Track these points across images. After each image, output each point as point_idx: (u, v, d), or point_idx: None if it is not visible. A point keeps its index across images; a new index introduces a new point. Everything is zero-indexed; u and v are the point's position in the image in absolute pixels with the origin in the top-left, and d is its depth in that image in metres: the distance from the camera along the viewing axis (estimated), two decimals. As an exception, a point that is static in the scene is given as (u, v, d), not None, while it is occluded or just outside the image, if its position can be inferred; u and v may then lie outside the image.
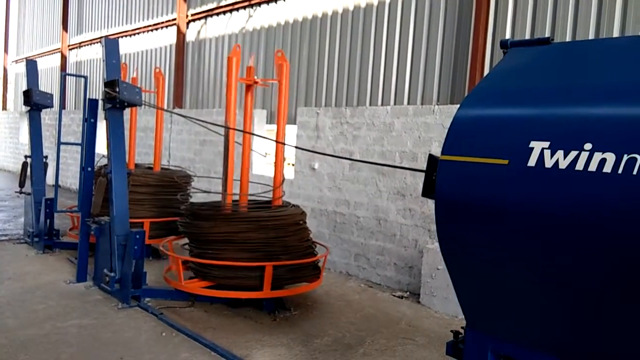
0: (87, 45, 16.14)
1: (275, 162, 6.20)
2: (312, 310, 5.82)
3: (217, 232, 5.55)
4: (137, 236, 5.64)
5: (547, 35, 5.84)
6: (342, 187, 7.60)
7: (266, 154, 9.43)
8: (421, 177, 2.92)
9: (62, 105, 7.25)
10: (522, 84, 2.59)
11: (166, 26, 12.51)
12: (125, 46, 13.83)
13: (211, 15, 11.17)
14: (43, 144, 8.48)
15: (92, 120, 6.40)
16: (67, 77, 16.27)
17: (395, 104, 7.41)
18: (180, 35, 11.90)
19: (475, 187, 2.44)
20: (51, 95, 8.41)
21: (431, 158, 2.81)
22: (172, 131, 11.28)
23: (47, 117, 16.49)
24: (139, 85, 6.48)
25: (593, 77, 2.36)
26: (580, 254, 2.12)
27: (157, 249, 7.22)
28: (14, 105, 21.06)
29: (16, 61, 21.70)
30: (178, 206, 6.96)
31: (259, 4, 9.99)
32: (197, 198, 7.51)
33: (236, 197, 6.13)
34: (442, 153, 2.59)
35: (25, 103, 8.21)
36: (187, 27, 11.87)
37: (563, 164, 2.12)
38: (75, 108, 16.46)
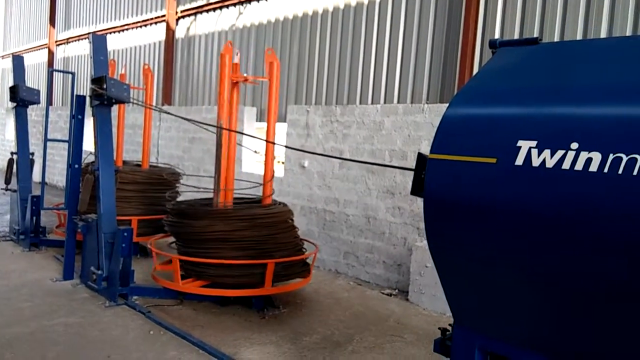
0: (75, 41, 15.96)
1: (265, 160, 6.19)
2: (301, 308, 5.82)
3: (213, 231, 5.50)
4: (125, 234, 5.61)
5: (535, 35, 5.87)
6: (332, 185, 7.61)
7: (256, 151, 9.41)
8: (410, 175, 2.93)
9: (49, 102, 7.19)
10: (511, 83, 2.60)
11: (155, 22, 12.40)
12: (114, 42, 13.70)
13: (201, 12, 11.10)
14: (29, 140, 8.38)
15: (79, 116, 6.34)
16: (54, 73, 16.14)
17: (385, 102, 7.42)
18: (170, 32, 11.81)
19: (463, 185, 2.45)
20: (38, 91, 8.31)
21: (420, 157, 2.82)
22: (160, 128, 11.21)
23: (34, 113, 16.30)
24: (127, 82, 6.43)
25: (580, 77, 2.38)
26: (567, 253, 2.13)
27: (145, 246, 7.17)
28: (0, 101, 20.79)
29: (2, 57, 21.42)
30: (166, 204, 6.92)
31: (249, 1, 9.95)
32: (185, 196, 7.46)
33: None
34: (431, 152, 2.60)
35: (12, 99, 8.11)
36: (177, 24, 11.78)
37: (550, 163, 2.13)
38: (62, 104, 16.27)
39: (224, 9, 10.53)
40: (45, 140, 6.90)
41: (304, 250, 6.08)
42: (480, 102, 2.61)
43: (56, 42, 17.09)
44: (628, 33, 5.33)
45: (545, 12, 5.97)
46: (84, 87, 14.62)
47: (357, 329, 5.26)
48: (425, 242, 6.10)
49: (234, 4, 10.27)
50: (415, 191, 2.84)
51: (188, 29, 11.51)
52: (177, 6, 11.64)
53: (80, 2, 15.73)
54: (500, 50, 2.83)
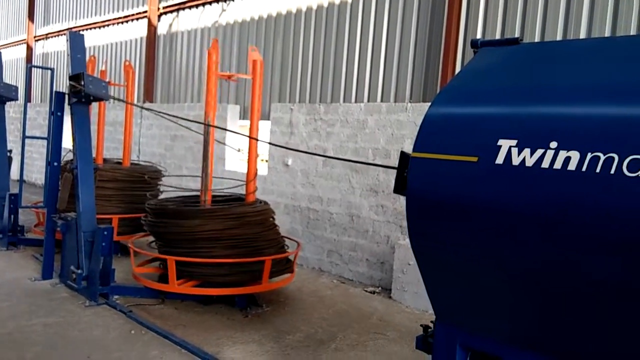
0: (55, 36, 15.67)
1: (249, 158, 6.17)
2: (284, 307, 5.81)
3: (204, 230, 5.43)
4: (105, 232, 5.53)
5: (516, 35, 5.95)
6: (316, 184, 7.61)
7: (239, 150, 9.36)
8: (394, 173, 2.94)
9: (28, 98, 7.05)
10: (492, 83, 2.63)
11: (137, 18, 12.24)
12: (95, 38, 13.49)
13: (183, 9, 10.99)
14: (7, 137, 8.23)
15: (58, 113, 6.23)
16: (33, 69, 15.83)
17: (368, 101, 7.44)
18: (152, 28, 11.67)
19: (445, 184, 2.47)
20: (16, 87, 8.17)
21: (403, 155, 2.84)
22: (142, 126, 11.08)
23: (12, 110, 16.00)
24: (108, 79, 6.35)
25: (560, 77, 2.42)
26: (547, 251, 2.16)
27: (126, 245, 7.09)
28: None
29: (-21, 51, 20.92)
30: (145, 203, 6.85)
31: (232, -2, 9.88)
32: (165, 195, 7.39)
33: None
34: (414, 150, 2.62)
35: (-11, 95, 7.94)
36: (159, 20, 11.65)
37: (530, 162, 2.16)
38: (41, 101, 15.99)
39: (207, 6, 10.44)
40: (24, 137, 6.79)
41: (287, 246, 6.11)
42: (461, 101, 2.63)
43: (35, 37, 16.76)
44: (607, 34, 5.43)
45: (526, 13, 6.04)
46: (64, 84, 14.37)
47: (340, 327, 5.27)
48: (407, 240, 6.14)
49: (217, 1, 10.19)
50: (398, 189, 2.86)
51: (170, 25, 11.39)
52: (159, 2, 11.51)
53: (60, -3, 15.45)
54: (482, 50, 2.86)
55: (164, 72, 11.57)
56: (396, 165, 2.88)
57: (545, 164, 2.11)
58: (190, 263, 5.40)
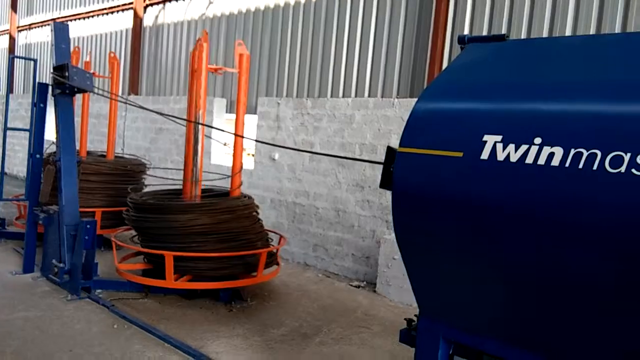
0: (38, 27, 15.39)
1: (234, 152, 6.12)
2: (269, 301, 5.80)
3: (196, 224, 5.37)
4: (88, 226, 5.46)
5: (503, 32, 5.99)
6: (302, 178, 7.60)
7: (225, 144, 9.30)
8: (380, 168, 2.94)
9: (10, 89, 6.92)
10: (478, 78, 2.64)
11: (122, 10, 12.07)
12: (79, 29, 13.28)
13: (170, 1, 10.86)
14: (-12, 128, 8.08)
15: (41, 105, 6.14)
16: (15, 59, 15.55)
17: (356, 96, 7.44)
18: (137, 20, 11.52)
19: (431, 179, 2.48)
20: (-3, 77, 8.01)
21: (389, 150, 2.84)
22: (126, 118, 10.94)
23: (-7, 100, 15.73)
24: (92, 70, 6.25)
25: (545, 74, 2.43)
26: (530, 245, 2.18)
27: (109, 239, 7.01)
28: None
29: (-41, 41, 20.50)
30: (128, 197, 6.77)
31: (219, -10, 9.79)
32: (152, 188, 7.31)
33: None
34: (400, 145, 2.62)
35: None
36: (145, 12, 11.50)
37: (514, 157, 2.17)
38: (24, 92, 15.70)
39: (194, -2, 10.33)
40: (5, 128, 6.67)
41: (271, 239, 6.13)
42: (448, 97, 2.64)
43: (18, 27, 16.45)
44: (592, 32, 5.49)
45: (513, 10, 6.08)
46: (47, 75, 14.13)
47: (325, 321, 5.28)
48: (393, 234, 6.17)
49: (204, -7, 10.08)
50: (384, 184, 2.86)
51: (156, 17, 11.25)
52: (145, -6, 11.36)
53: (43, -13, 15.17)
54: (469, 46, 2.86)
55: (149, 65, 11.44)
56: (382, 161, 2.88)
57: (530, 159, 2.13)
58: (180, 257, 5.32)
